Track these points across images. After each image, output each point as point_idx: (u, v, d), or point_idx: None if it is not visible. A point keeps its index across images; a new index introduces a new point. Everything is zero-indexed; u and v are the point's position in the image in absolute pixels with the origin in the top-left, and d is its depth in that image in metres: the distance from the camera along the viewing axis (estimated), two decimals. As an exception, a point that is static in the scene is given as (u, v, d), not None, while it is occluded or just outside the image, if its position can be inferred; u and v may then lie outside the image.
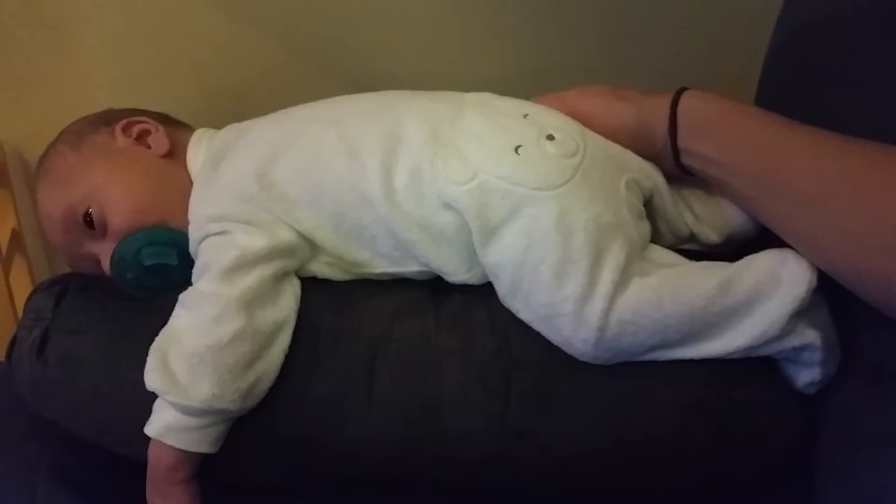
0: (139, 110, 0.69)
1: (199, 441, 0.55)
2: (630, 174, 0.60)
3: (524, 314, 0.58)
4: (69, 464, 0.65)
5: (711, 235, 0.63)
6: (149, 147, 0.66)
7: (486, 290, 0.61)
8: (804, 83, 0.63)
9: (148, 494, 0.57)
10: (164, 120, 0.69)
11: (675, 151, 0.59)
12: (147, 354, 0.56)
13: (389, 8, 0.83)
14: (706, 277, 0.56)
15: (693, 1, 0.84)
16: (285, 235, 0.59)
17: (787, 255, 0.55)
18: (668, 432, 0.57)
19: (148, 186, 0.63)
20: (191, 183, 0.63)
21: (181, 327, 0.56)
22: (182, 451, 0.55)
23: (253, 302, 0.56)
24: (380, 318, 0.60)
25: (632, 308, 0.55)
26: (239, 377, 0.55)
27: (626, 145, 0.61)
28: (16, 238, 0.90)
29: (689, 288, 0.55)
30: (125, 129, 0.66)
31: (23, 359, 0.61)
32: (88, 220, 0.62)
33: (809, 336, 0.55)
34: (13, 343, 0.62)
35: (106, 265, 0.62)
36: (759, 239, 0.62)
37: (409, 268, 0.62)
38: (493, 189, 0.57)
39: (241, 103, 0.72)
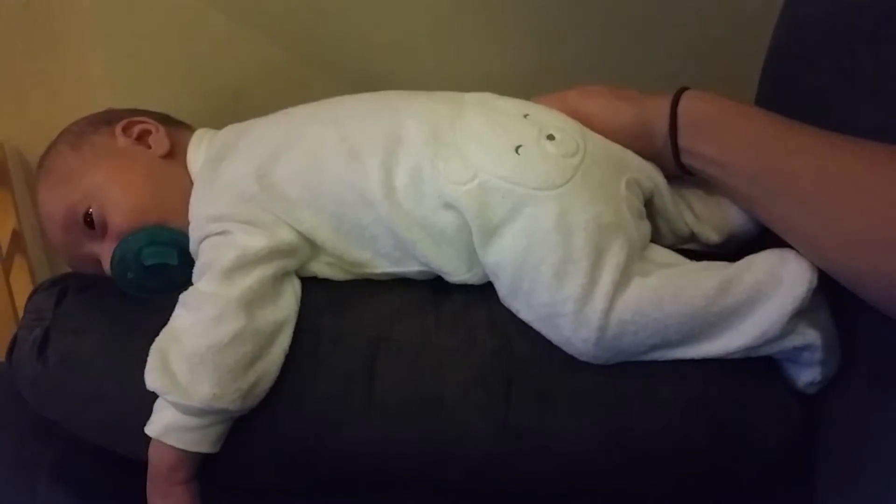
0: (139, 110, 0.69)
1: (200, 441, 0.56)
2: (630, 174, 0.60)
3: (524, 314, 0.58)
4: (69, 464, 0.65)
5: (712, 235, 0.63)
6: (149, 147, 0.66)
7: (486, 290, 0.61)
8: (804, 83, 0.63)
9: (148, 494, 0.57)
10: (165, 120, 0.69)
11: (676, 151, 0.59)
12: (147, 354, 0.56)
13: (389, 8, 0.83)
14: (706, 277, 0.56)
15: (693, 1, 0.84)
16: (286, 235, 0.59)
17: (787, 255, 0.55)
18: (668, 432, 0.57)
19: (148, 186, 0.63)
20: (191, 183, 0.63)
21: (182, 327, 0.56)
22: (182, 450, 0.55)
23: (253, 302, 0.56)
24: (380, 318, 0.60)
25: (632, 308, 0.55)
26: (239, 377, 0.55)
27: (627, 145, 0.61)
28: (16, 238, 0.90)
29: (690, 288, 0.55)
30: (126, 130, 0.66)
31: (23, 359, 0.61)
32: (89, 220, 0.62)
33: (810, 336, 0.55)
34: (13, 343, 0.62)
35: (106, 265, 0.62)
36: (759, 239, 0.62)
37: (410, 268, 0.62)
38: (494, 189, 0.57)
39: (241, 103, 0.72)
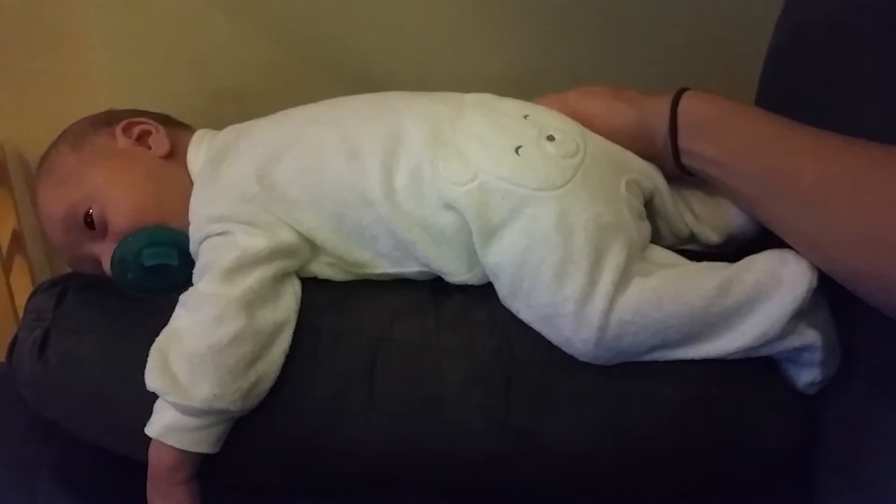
0: (140, 111, 0.69)
1: (200, 441, 0.56)
2: (630, 175, 0.60)
3: (525, 314, 0.59)
4: (70, 464, 0.65)
5: (712, 236, 0.63)
6: (149, 148, 0.66)
7: (486, 291, 0.61)
8: (804, 83, 0.63)
9: (149, 494, 0.57)
10: (165, 121, 0.69)
11: (676, 152, 0.59)
12: (148, 355, 0.56)
13: (390, 8, 0.83)
14: (706, 278, 0.56)
15: (693, 1, 0.84)
16: (286, 236, 0.59)
17: (787, 255, 0.55)
18: (668, 432, 0.57)
19: (148, 187, 0.63)
20: (191, 183, 0.63)
21: (182, 328, 0.56)
22: (183, 451, 0.55)
23: (253, 302, 0.56)
24: (380, 319, 0.60)
25: (632, 308, 0.55)
26: (239, 377, 0.55)
27: (627, 146, 0.61)
28: (16, 238, 0.90)
29: (690, 288, 0.55)
30: (126, 130, 0.66)
31: (23, 359, 0.61)
32: (89, 221, 0.62)
33: (810, 336, 0.55)
34: (14, 343, 0.63)
35: (106, 266, 0.62)
36: (759, 239, 0.62)
37: (410, 268, 0.62)
38: (494, 189, 0.57)
39: (241, 104, 0.72)
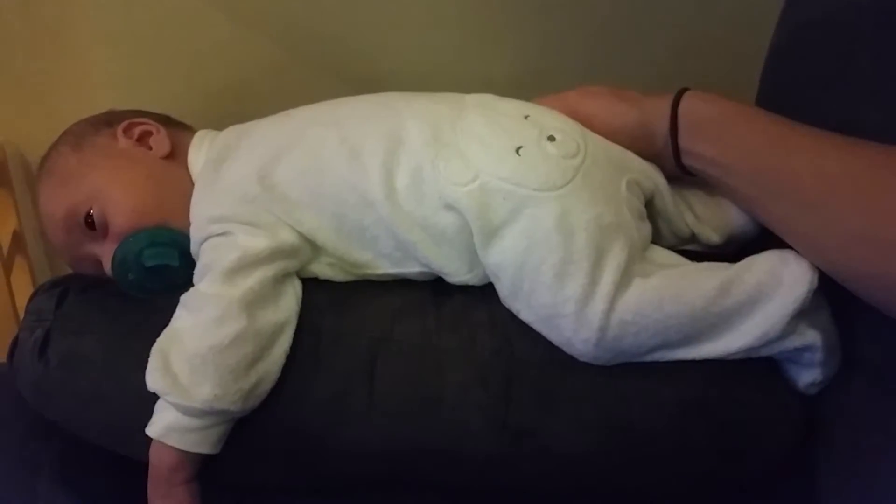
0: (140, 112, 0.69)
1: (201, 442, 0.56)
2: (631, 175, 0.60)
3: (525, 315, 0.59)
4: (70, 464, 0.65)
5: (712, 236, 0.63)
6: (150, 148, 0.66)
7: (486, 291, 0.61)
8: (804, 83, 0.63)
9: (149, 495, 0.57)
10: (166, 121, 0.69)
11: (676, 152, 0.59)
12: (148, 355, 0.56)
13: (390, 9, 0.83)
14: (707, 278, 0.56)
15: (694, 1, 0.84)
16: (287, 236, 0.59)
17: (787, 255, 0.55)
18: (668, 433, 0.57)
19: (149, 188, 0.63)
20: (192, 184, 0.63)
21: (183, 328, 0.56)
22: (183, 451, 0.55)
23: (254, 303, 0.56)
24: (381, 319, 0.60)
25: (633, 309, 0.55)
26: (240, 378, 0.55)
27: (627, 146, 0.61)
28: (17, 239, 0.90)
29: (690, 288, 0.55)
30: (126, 131, 0.66)
31: (24, 360, 0.61)
32: (90, 222, 0.62)
33: (810, 337, 0.55)
34: (15, 344, 0.63)
35: (107, 266, 0.62)
36: (759, 240, 0.62)
37: (411, 269, 0.62)
38: (495, 190, 0.57)
39: (242, 104, 0.72)
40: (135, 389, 0.56)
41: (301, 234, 0.60)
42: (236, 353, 0.54)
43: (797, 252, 0.55)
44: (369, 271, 0.62)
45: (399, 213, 0.59)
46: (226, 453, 0.57)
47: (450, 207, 0.58)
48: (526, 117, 0.61)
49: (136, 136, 0.66)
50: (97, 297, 0.63)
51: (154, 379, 0.55)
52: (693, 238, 0.64)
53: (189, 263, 0.60)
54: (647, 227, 0.61)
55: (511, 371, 0.58)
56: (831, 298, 0.56)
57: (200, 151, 0.65)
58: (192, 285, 0.58)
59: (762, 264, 0.56)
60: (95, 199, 0.62)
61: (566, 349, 0.58)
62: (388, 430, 0.58)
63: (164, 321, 0.57)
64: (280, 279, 0.59)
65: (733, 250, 0.63)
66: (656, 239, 0.62)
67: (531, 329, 0.59)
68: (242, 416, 0.57)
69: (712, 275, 0.56)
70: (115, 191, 0.62)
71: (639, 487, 0.60)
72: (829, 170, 0.51)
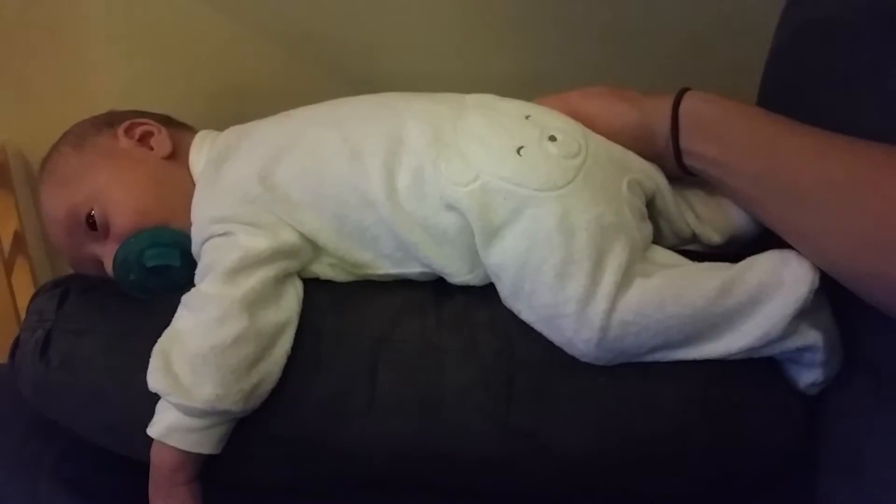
0: (142, 112, 0.69)
1: (202, 442, 0.56)
2: (632, 175, 0.60)
3: (526, 315, 0.59)
4: (71, 464, 0.65)
5: (713, 236, 0.63)
6: (151, 149, 0.66)
7: (487, 291, 0.61)
8: (805, 84, 0.63)
9: (151, 495, 0.57)
10: (167, 122, 0.69)
11: (677, 152, 0.59)
12: (150, 355, 0.56)
13: (390, 9, 0.83)
14: (708, 278, 0.56)
15: (694, 2, 0.84)
16: (288, 237, 0.59)
17: (788, 255, 0.55)
18: (669, 433, 0.57)
19: (150, 188, 0.63)
20: (193, 184, 0.63)
21: (184, 328, 0.56)
22: (185, 452, 0.55)
23: (255, 303, 0.56)
24: (382, 319, 0.60)
25: (634, 309, 0.55)
26: (242, 378, 0.55)
27: (628, 146, 0.61)
28: (18, 239, 0.90)
29: (692, 289, 0.55)
30: (128, 131, 0.66)
31: (26, 360, 0.61)
32: (91, 222, 0.62)
33: (811, 337, 0.55)
34: (16, 344, 0.63)
35: (109, 267, 0.62)
36: (760, 240, 0.62)
37: (411, 269, 0.62)
38: (496, 190, 0.57)
39: (243, 105, 0.72)
40: (136, 390, 0.56)
41: (302, 235, 0.60)
42: (238, 354, 0.55)
43: (798, 252, 0.55)
44: (370, 272, 0.62)
45: (400, 213, 0.59)
46: (227, 453, 0.57)
47: (451, 208, 0.58)
48: (527, 117, 0.61)
49: (137, 137, 0.66)
50: (98, 297, 0.63)
51: (155, 379, 0.55)
52: (694, 238, 0.64)
53: (190, 264, 0.60)
54: (648, 228, 0.61)
55: (512, 371, 0.58)
56: (832, 298, 0.56)
57: (201, 152, 0.65)
58: (194, 286, 0.58)
59: (763, 264, 0.56)
60: (97, 200, 0.62)
61: (567, 349, 0.58)
62: (388, 431, 0.58)
63: (166, 321, 0.57)
64: (281, 279, 0.59)
65: (734, 250, 0.63)
66: (657, 239, 0.62)
67: (532, 329, 0.59)
68: (244, 416, 0.57)
69: (713, 275, 0.56)
70: (116, 191, 0.62)
71: (639, 488, 0.60)
72: (830, 170, 0.51)
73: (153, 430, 0.55)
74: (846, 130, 0.52)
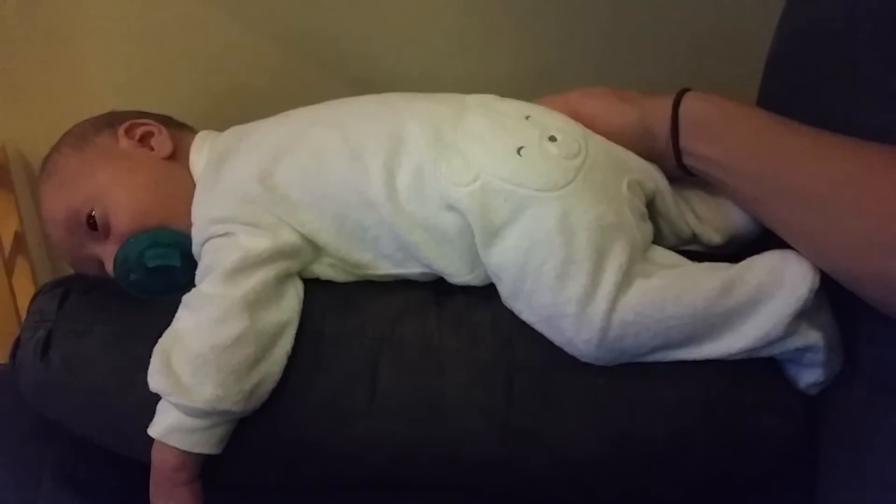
0: (142, 112, 0.69)
1: (203, 442, 0.56)
2: (632, 175, 0.60)
3: (526, 315, 0.59)
4: (72, 464, 0.65)
5: (714, 236, 0.63)
6: (152, 149, 0.66)
7: (488, 292, 0.61)
8: (805, 84, 0.63)
9: (151, 495, 0.57)
10: (167, 122, 0.69)
11: (677, 152, 0.59)
12: (150, 356, 0.56)
13: (391, 10, 0.83)
14: (708, 278, 0.56)
15: (695, 2, 0.84)
16: (288, 237, 0.59)
17: (789, 255, 0.55)
18: (670, 433, 0.57)
19: (151, 188, 0.63)
20: (193, 185, 0.63)
21: (184, 329, 0.56)
22: (185, 452, 0.55)
23: (256, 303, 0.56)
24: (382, 319, 0.60)
25: (634, 309, 0.55)
26: (242, 378, 0.55)
27: (628, 146, 0.61)
28: (18, 240, 0.90)
29: (692, 289, 0.55)
30: (128, 132, 0.66)
31: (27, 360, 0.61)
32: (91, 222, 0.62)
33: (812, 337, 0.55)
34: (17, 344, 0.63)
35: (109, 267, 0.62)
36: (761, 240, 0.62)
37: (412, 269, 0.62)
38: (496, 190, 0.57)
39: (243, 105, 0.72)
40: (137, 390, 0.56)
41: (302, 235, 0.60)
42: (238, 354, 0.55)
43: (798, 252, 0.55)
44: (370, 272, 0.62)
45: (400, 213, 0.59)
46: (228, 453, 0.57)
47: (451, 208, 0.58)
48: (527, 118, 0.61)
49: (137, 137, 0.66)
50: (99, 297, 0.63)
51: (156, 379, 0.55)
52: (694, 238, 0.64)
53: (191, 264, 0.60)
54: (648, 228, 0.61)
55: (512, 372, 0.58)
56: (833, 299, 0.56)
57: (202, 152, 0.65)
58: (194, 286, 0.58)
59: (763, 265, 0.56)
60: (97, 200, 0.62)
61: (568, 350, 0.58)
62: (389, 431, 0.58)
63: (166, 322, 0.57)
64: (282, 280, 0.59)
65: (734, 251, 0.63)
66: (658, 239, 0.62)
67: (533, 330, 0.59)
68: (244, 416, 0.57)
69: (713, 275, 0.56)
70: (116, 191, 0.62)
71: (639, 488, 0.60)
72: (830, 170, 0.51)
73: (154, 431, 0.55)
74: (846, 131, 0.52)
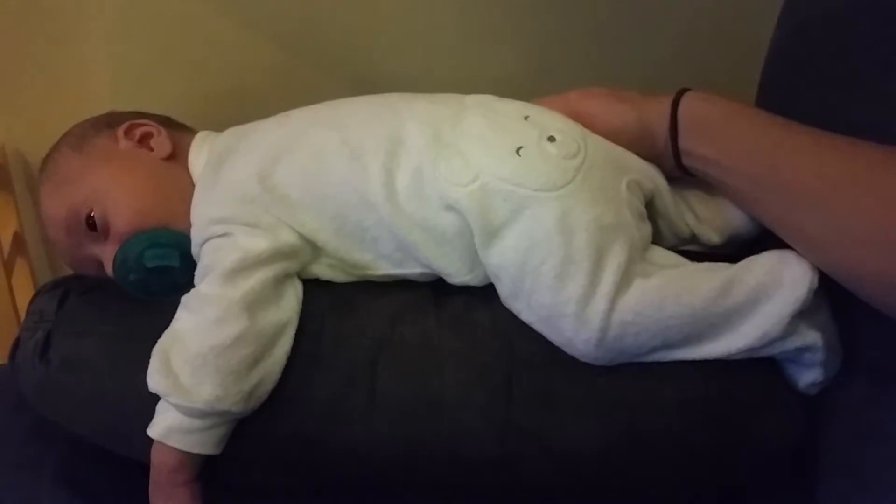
0: (141, 113, 0.69)
1: (202, 443, 0.56)
2: (631, 175, 0.60)
3: (526, 315, 0.59)
4: (72, 465, 0.65)
5: (713, 236, 0.63)
6: (151, 150, 0.66)
7: (487, 292, 0.61)
8: (804, 84, 0.63)
9: (151, 496, 0.57)
10: (167, 123, 0.69)
11: (676, 152, 0.60)
12: (150, 356, 0.56)
13: (391, 10, 0.83)
14: (707, 278, 0.56)
15: (694, 2, 0.84)
16: (287, 237, 0.59)
17: (788, 255, 0.55)
18: (669, 433, 0.57)
19: (150, 189, 0.63)
20: (193, 185, 0.63)
21: (184, 329, 0.56)
22: (185, 452, 0.55)
23: (255, 304, 0.56)
24: (382, 320, 0.60)
25: (633, 309, 0.55)
26: (242, 379, 0.55)
27: (628, 146, 0.61)
28: (18, 240, 0.90)
29: (691, 289, 0.55)
30: (128, 132, 0.66)
31: (26, 361, 0.61)
32: (91, 223, 0.62)
33: (811, 337, 0.55)
34: (16, 345, 0.63)
35: (108, 267, 0.62)
36: (759, 240, 0.62)
37: (411, 270, 0.62)
38: (495, 191, 0.57)
39: (242, 106, 0.72)
40: (136, 390, 0.56)
41: (301, 235, 0.60)
42: (237, 354, 0.55)
43: (797, 252, 0.55)
44: (370, 272, 0.62)
45: (400, 214, 0.59)
46: (227, 454, 0.57)
47: (450, 208, 0.58)
48: (526, 118, 0.61)
49: (137, 138, 0.66)
50: (98, 298, 0.63)
51: (155, 380, 0.55)
52: (693, 238, 0.64)
53: (190, 265, 0.60)
54: (647, 228, 0.61)
55: (512, 372, 0.58)
56: (832, 298, 0.57)
57: (201, 153, 0.65)
58: (194, 286, 0.59)
59: (762, 265, 0.56)
60: (96, 201, 0.62)
61: (567, 349, 0.58)
62: (388, 431, 0.58)
63: (166, 322, 0.57)
64: (281, 280, 0.59)
65: (734, 251, 0.63)
66: (657, 239, 0.62)
67: (532, 330, 0.59)
68: (244, 416, 0.57)
69: (713, 275, 0.56)
70: (116, 192, 0.62)
71: (639, 488, 0.60)
72: (829, 170, 0.51)
73: (153, 431, 0.55)
74: (846, 130, 0.52)
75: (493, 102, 0.64)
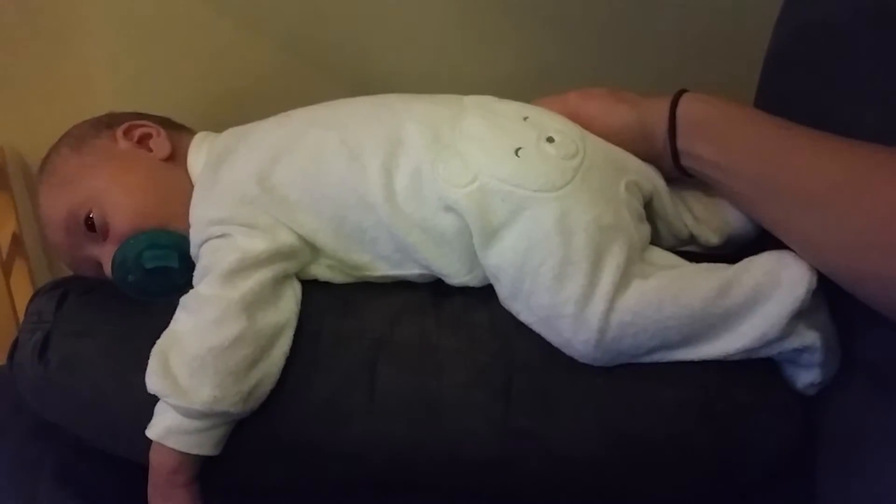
0: (141, 114, 0.69)
1: (201, 444, 0.56)
2: (630, 176, 0.60)
3: (525, 316, 0.59)
4: (71, 466, 0.65)
5: (711, 237, 0.63)
6: (150, 150, 0.66)
7: (486, 292, 0.61)
8: (803, 85, 0.63)
9: (150, 497, 0.57)
10: (166, 123, 0.69)
11: (675, 153, 0.60)
12: (148, 357, 0.56)
13: (390, 11, 0.83)
14: (706, 279, 0.56)
15: (693, 3, 0.84)
16: (286, 238, 0.59)
17: (786, 256, 0.55)
18: (668, 434, 0.57)
19: (149, 189, 0.63)
20: (192, 186, 0.63)
21: (182, 330, 0.56)
22: (183, 453, 0.55)
23: (254, 304, 0.56)
24: (381, 320, 0.60)
25: (632, 309, 0.55)
26: (240, 380, 0.55)
27: (626, 147, 0.61)
28: (16, 241, 0.90)
29: (689, 290, 0.55)
30: (127, 133, 0.66)
31: (25, 361, 0.61)
32: (90, 223, 0.62)
33: (809, 337, 0.55)
34: (15, 346, 0.63)
35: (107, 268, 0.62)
36: (758, 241, 0.62)
37: (410, 270, 0.62)
38: (494, 191, 0.57)
39: (241, 107, 0.72)
40: (135, 391, 0.56)
41: (300, 236, 0.60)
42: (236, 355, 0.55)
43: (796, 253, 0.55)
44: (368, 273, 0.62)
45: (399, 214, 0.59)
46: (226, 455, 0.57)
47: (449, 209, 0.58)
48: (525, 118, 0.61)
49: (136, 139, 0.66)
50: (97, 298, 0.63)
51: (154, 381, 0.55)
52: (692, 239, 0.64)
53: (189, 265, 0.60)
54: (646, 229, 0.61)
55: (511, 372, 0.58)
56: (830, 299, 0.57)
57: (200, 153, 0.65)
58: (192, 287, 0.58)
59: (761, 265, 0.56)
60: (95, 201, 0.62)
61: (566, 350, 0.58)
62: (388, 432, 0.58)
63: (164, 323, 0.57)
64: (279, 281, 0.59)
65: (732, 251, 0.63)
66: (655, 240, 0.63)
67: (531, 330, 0.59)
68: (242, 417, 0.57)
69: (711, 276, 0.56)
70: (115, 193, 0.62)
71: (639, 488, 0.60)
72: (828, 171, 0.51)
73: (152, 432, 0.55)
74: (845, 132, 0.52)
75: (492, 103, 0.64)
